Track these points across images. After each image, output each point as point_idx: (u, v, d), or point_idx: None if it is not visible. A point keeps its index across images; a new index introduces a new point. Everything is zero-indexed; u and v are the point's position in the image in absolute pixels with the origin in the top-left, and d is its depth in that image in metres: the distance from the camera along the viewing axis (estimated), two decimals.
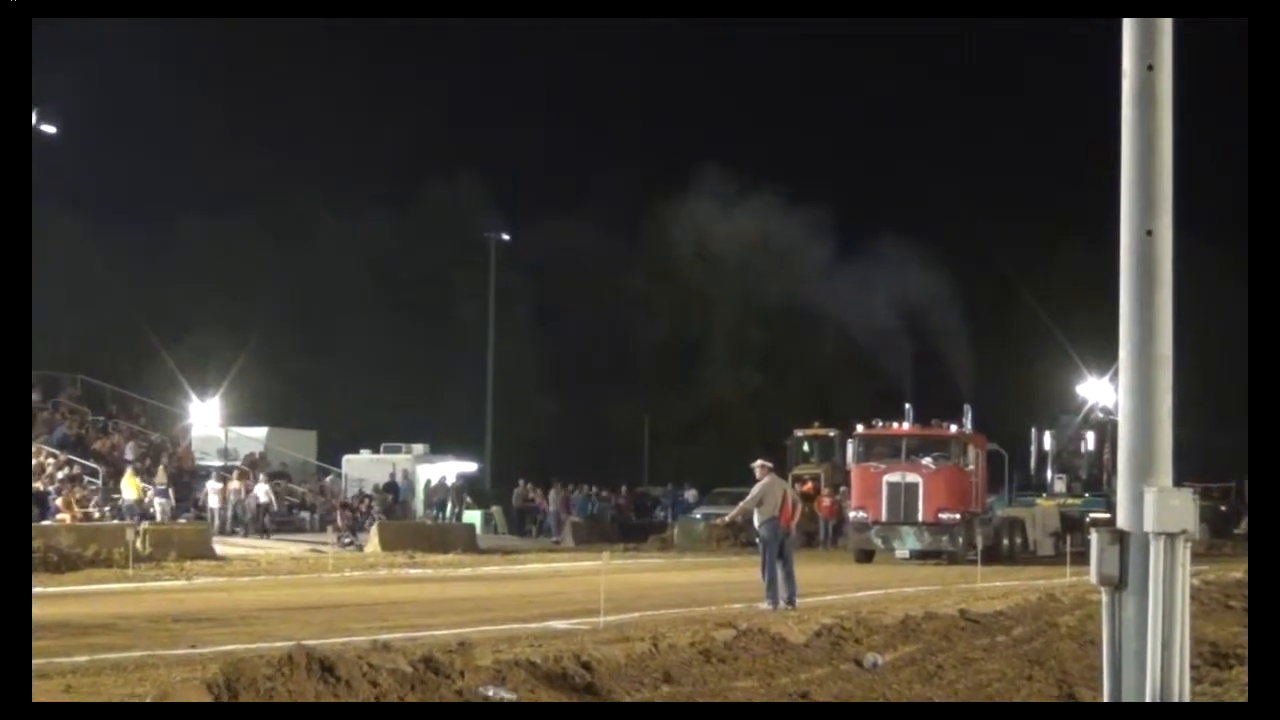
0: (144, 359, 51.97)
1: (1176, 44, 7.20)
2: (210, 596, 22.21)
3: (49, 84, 39.27)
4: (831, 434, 48.03)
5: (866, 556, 36.96)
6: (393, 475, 47.14)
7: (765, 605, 19.77)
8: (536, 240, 65.53)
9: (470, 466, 52.91)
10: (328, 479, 47.31)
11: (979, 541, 34.32)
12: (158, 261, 66.22)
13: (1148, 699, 6.96)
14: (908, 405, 39.31)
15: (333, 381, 63.45)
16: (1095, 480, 44.95)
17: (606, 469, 57.21)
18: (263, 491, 40.80)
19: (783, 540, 20.56)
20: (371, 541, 37.43)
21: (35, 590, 19.94)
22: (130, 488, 36.76)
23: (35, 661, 10.69)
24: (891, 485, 36.74)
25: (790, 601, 20.01)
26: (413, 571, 30.32)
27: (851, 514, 38.16)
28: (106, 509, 35.84)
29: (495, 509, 50.17)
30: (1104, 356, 45.67)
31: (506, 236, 60.26)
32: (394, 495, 46.07)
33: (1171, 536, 7.02)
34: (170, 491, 38.15)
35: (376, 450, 49.86)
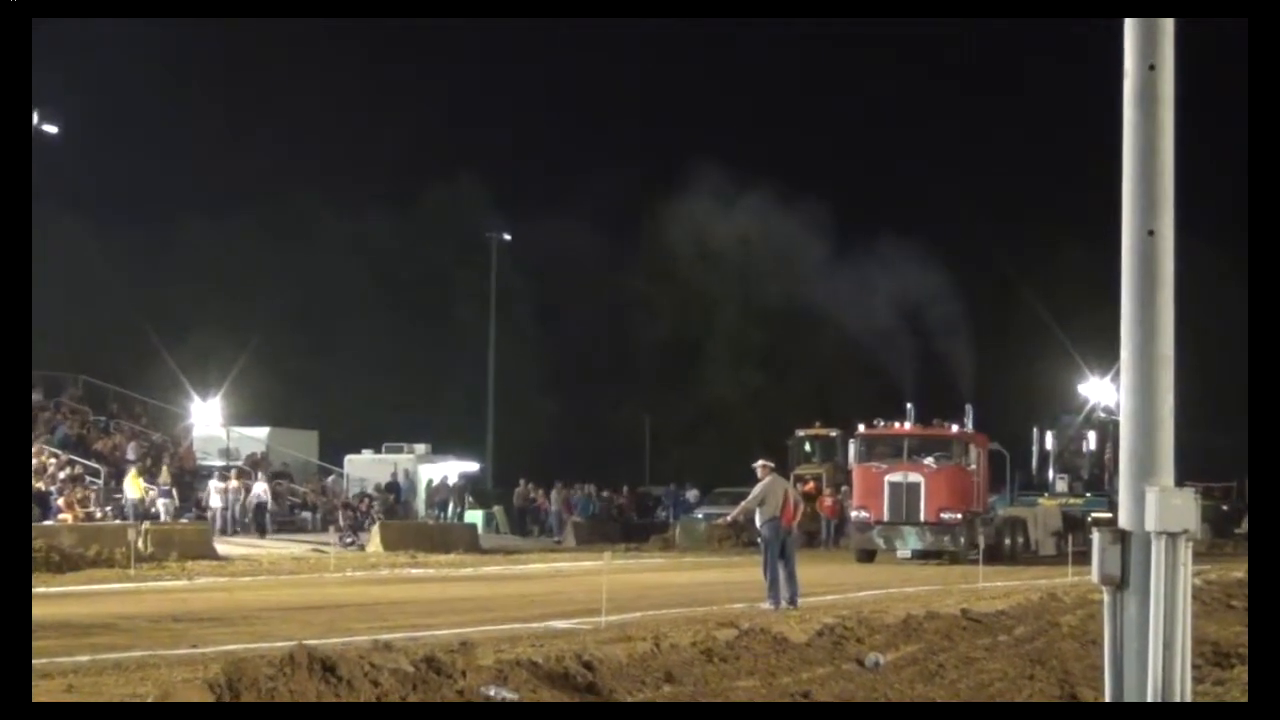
0: (145, 359, 51.96)
1: (1177, 44, 7.20)
2: (212, 596, 22.22)
3: (49, 84, 39.31)
4: (833, 434, 48.00)
5: (868, 556, 36.96)
6: (394, 475, 47.15)
7: (767, 605, 19.77)
8: (537, 240, 65.58)
9: (472, 466, 52.91)
10: (329, 479, 47.31)
11: (981, 541, 34.32)
12: (159, 261, 66.33)
13: (1149, 699, 6.97)
14: (909, 405, 39.30)
15: (334, 381, 63.48)
16: (1097, 480, 44.97)
17: (608, 469, 57.20)
18: (260, 491, 40.80)
19: (784, 540, 20.56)
20: (373, 541, 37.45)
21: (37, 590, 19.97)
22: (133, 488, 36.78)
23: (37, 661, 10.71)
24: (893, 485, 36.72)
25: (792, 601, 20.01)
26: (414, 571, 30.32)
27: (853, 514, 38.15)
28: (108, 509, 35.86)
29: (497, 509, 50.17)
30: (1105, 356, 45.72)
31: (508, 236, 60.27)
32: (395, 495, 46.08)
33: (1173, 536, 7.02)
34: (174, 491, 38.18)
35: (378, 450, 49.87)
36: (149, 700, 9.18)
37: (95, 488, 36.99)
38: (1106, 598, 7.19)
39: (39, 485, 34.43)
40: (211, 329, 57.32)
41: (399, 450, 49.62)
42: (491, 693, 10.21)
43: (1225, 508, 49.66)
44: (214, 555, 31.41)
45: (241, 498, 40.16)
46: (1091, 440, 46.92)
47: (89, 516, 33.56)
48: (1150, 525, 7.02)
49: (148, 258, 65.47)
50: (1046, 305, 55.86)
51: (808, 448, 49.73)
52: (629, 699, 10.99)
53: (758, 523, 21.18)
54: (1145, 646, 6.99)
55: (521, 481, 52.22)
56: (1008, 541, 38.60)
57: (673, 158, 72.99)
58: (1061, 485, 45.47)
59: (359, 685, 9.60)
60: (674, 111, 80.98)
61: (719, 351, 73.01)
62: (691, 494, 55.01)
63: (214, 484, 39.82)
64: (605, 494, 53.51)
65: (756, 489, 21.21)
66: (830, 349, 65.84)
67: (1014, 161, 77.29)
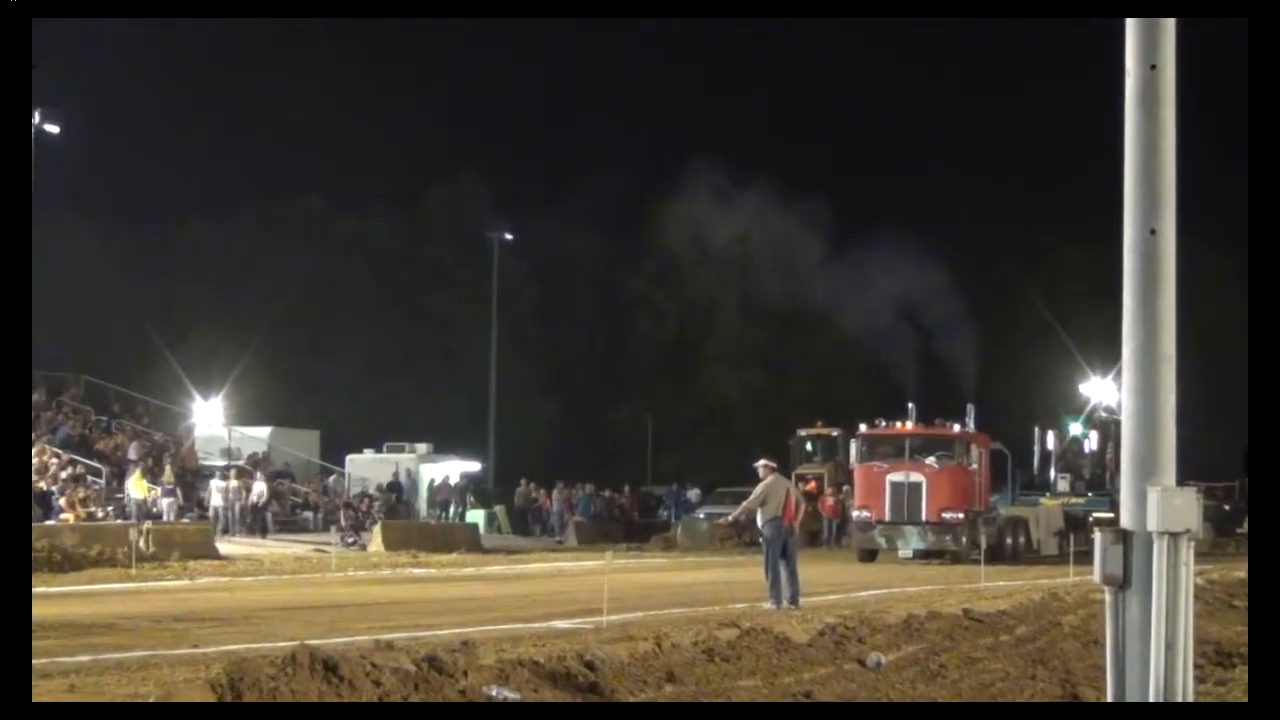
0: (147, 358, 52.00)
1: (1178, 44, 7.20)
2: (213, 596, 22.21)
3: (49, 84, 39.33)
4: (835, 433, 47.97)
5: (870, 556, 36.95)
6: (396, 475, 47.15)
7: (768, 605, 19.76)
8: (538, 240, 65.60)
9: (473, 466, 52.90)
10: (331, 479, 47.33)
11: (982, 541, 34.27)
12: (160, 261, 66.39)
13: (1151, 699, 6.96)
14: (911, 405, 39.29)
15: (335, 381, 63.52)
16: (1098, 479, 44.96)
17: (609, 468, 57.20)
18: (260, 490, 40.80)
19: (786, 540, 20.54)
20: (375, 541, 37.44)
21: (39, 590, 19.98)
22: (137, 488, 36.79)
23: (38, 661, 10.71)
24: (895, 485, 36.69)
25: (793, 601, 20.00)
26: (416, 571, 30.32)
27: (855, 513, 38.13)
28: (110, 509, 35.87)
29: (498, 509, 50.17)
30: (1107, 356, 45.71)
31: (509, 236, 60.27)
32: (397, 495, 46.08)
33: (1175, 536, 7.02)
34: (177, 491, 38.19)
35: (380, 450, 49.88)
36: (151, 700, 9.17)
37: (97, 487, 37.02)
38: (1108, 597, 7.19)
39: (41, 485, 34.45)
40: (213, 328, 57.41)
41: (400, 450, 49.62)
42: (493, 692, 10.21)
43: (1227, 507, 49.61)
44: (215, 555, 31.42)
45: (243, 497, 40.19)
46: (1093, 440, 46.92)
47: (91, 516, 33.56)
48: (1152, 525, 7.01)
49: (149, 258, 65.59)
50: (1048, 304, 55.90)
51: (809, 447, 49.69)
52: (631, 699, 10.99)
53: (759, 522, 21.17)
54: (1147, 646, 6.99)
55: (523, 481, 52.23)
56: (1009, 541, 38.58)
57: (673, 158, 73.13)
58: (1063, 485, 45.46)
59: (361, 685, 9.60)
60: (674, 111, 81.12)
61: (720, 351, 73.02)
62: (693, 494, 54.97)
63: (215, 484, 39.83)
64: (607, 494, 53.50)
65: (758, 489, 21.20)
66: (831, 349, 65.88)
67: (1014, 161, 77.40)
